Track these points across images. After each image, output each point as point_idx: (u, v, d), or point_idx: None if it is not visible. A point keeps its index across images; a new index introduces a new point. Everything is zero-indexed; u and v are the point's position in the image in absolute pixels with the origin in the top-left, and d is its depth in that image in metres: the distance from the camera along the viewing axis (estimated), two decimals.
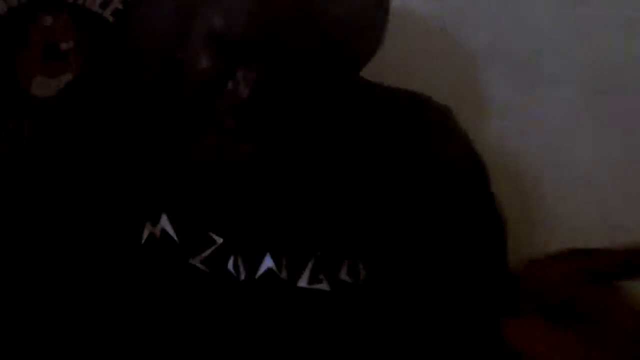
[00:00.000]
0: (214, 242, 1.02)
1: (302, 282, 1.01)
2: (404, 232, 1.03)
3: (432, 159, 1.05)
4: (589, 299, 0.77)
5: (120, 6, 1.39)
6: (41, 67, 1.39)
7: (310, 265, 1.01)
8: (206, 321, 1.02)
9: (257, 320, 1.01)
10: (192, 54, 0.98)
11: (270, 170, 1.01)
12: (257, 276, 1.01)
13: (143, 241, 1.02)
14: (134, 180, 1.03)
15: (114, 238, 1.03)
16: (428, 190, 1.04)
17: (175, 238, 1.02)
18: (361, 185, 1.03)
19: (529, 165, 1.43)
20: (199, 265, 1.01)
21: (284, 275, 1.01)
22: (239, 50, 0.94)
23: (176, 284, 1.02)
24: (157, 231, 1.02)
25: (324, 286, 1.01)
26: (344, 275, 1.02)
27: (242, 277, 1.01)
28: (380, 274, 1.01)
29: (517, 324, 0.80)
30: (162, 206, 1.02)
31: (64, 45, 1.39)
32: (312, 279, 1.01)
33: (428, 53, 1.43)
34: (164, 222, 1.02)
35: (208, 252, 1.02)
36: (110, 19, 1.38)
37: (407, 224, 1.03)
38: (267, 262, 1.01)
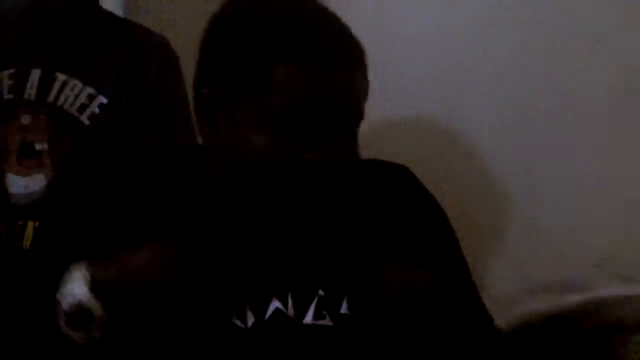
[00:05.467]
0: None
1: (308, 319, 1.06)
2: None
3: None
4: None
5: (97, 110, 1.42)
6: (15, 165, 1.40)
7: (314, 302, 1.07)
8: None
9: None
10: (242, 141, 1.00)
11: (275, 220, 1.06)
12: (266, 317, 1.05)
13: None
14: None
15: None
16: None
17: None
18: (351, 233, 1.09)
19: None
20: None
21: (290, 313, 1.06)
22: (309, 129, 1.00)
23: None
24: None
25: (327, 321, 1.07)
26: (344, 309, 1.07)
27: (250, 323, 1.05)
28: (369, 307, 1.07)
29: None
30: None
31: (38, 146, 1.41)
32: (317, 316, 1.07)
33: None
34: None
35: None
36: (86, 122, 1.41)
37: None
38: (275, 304, 1.06)
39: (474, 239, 1.26)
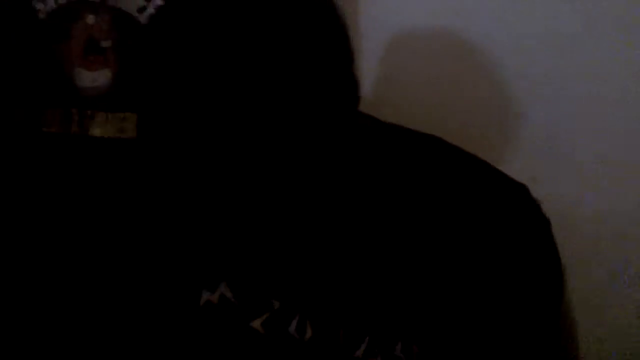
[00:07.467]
0: (273, 305, 1.06)
1: (358, 353, 1.06)
2: (457, 306, 1.07)
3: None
4: None
5: (153, 11, 1.54)
6: (81, 60, 1.55)
7: (366, 341, 1.06)
8: None
9: None
10: None
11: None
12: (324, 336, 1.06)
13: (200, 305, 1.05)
14: (193, 246, 1.05)
15: (170, 302, 1.05)
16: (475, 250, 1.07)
17: (234, 301, 1.05)
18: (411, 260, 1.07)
19: None
20: (258, 328, 1.05)
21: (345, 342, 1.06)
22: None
23: (235, 346, 1.04)
24: (215, 297, 1.05)
25: None
26: (398, 352, 1.06)
27: (308, 336, 1.06)
28: (433, 352, 1.05)
29: None
30: (221, 275, 1.05)
31: (103, 43, 1.55)
32: (368, 353, 1.06)
33: None
34: (223, 289, 1.05)
35: (266, 315, 1.06)
36: (145, 21, 1.54)
37: (458, 296, 1.06)
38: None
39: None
